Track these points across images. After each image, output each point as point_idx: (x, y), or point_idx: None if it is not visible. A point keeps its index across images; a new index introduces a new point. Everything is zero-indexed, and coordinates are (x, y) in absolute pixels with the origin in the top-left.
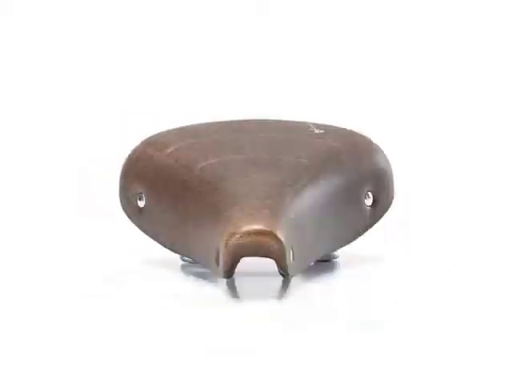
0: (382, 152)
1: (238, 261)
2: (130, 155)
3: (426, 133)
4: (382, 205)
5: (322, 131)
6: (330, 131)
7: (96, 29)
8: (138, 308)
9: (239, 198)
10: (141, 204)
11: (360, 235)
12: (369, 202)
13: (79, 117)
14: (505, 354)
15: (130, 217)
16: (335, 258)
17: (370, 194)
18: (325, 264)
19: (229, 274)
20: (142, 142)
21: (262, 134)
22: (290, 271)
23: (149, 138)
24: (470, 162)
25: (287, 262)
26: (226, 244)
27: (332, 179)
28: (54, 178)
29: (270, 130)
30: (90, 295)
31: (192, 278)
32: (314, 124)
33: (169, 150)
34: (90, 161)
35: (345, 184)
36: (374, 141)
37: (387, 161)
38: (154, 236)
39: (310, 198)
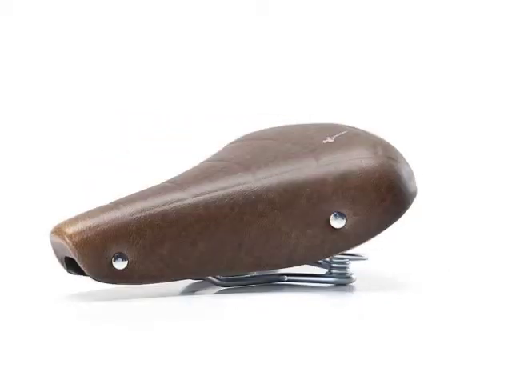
0: (382, 173)
1: (62, 257)
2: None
3: (424, 133)
4: (354, 229)
5: (331, 141)
6: (337, 142)
7: (98, 30)
8: (136, 308)
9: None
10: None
11: (317, 259)
12: (337, 223)
13: (79, 116)
14: (505, 353)
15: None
16: (352, 281)
17: (340, 214)
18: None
19: (66, 269)
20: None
21: (282, 141)
22: (91, 274)
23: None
24: (469, 163)
25: (85, 263)
26: None
27: (274, 191)
28: (52, 178)
29: (294, 135)
30: (90, 295)
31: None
32: (350, 128)
33: None
34: (89, 157)
35: (292, 195)
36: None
37: (385, 184)
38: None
39: (202, 210)
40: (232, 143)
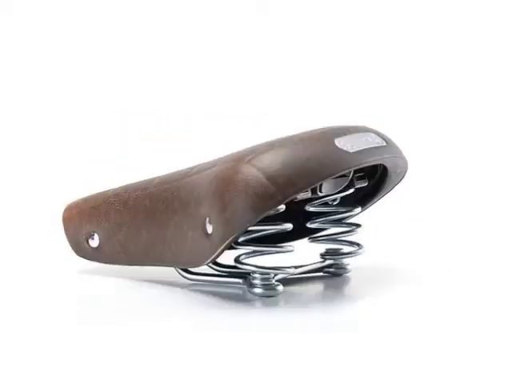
0: (244, 168)
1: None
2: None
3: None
4: (214, 236)
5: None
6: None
7: (98, 30)
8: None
9: None
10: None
11: (202, 264)
12: (208, 229)
13: (80, 116)
14: (504, 352)
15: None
16: (347, 272)
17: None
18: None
19: None
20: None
21: None
22: (72, 249)
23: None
24: (468, 161)
25: (68, 237)
26: None
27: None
28: (52, 178)
29: None
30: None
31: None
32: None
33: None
34: (89, 157)
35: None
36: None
37: (240, 189)
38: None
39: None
40: None
